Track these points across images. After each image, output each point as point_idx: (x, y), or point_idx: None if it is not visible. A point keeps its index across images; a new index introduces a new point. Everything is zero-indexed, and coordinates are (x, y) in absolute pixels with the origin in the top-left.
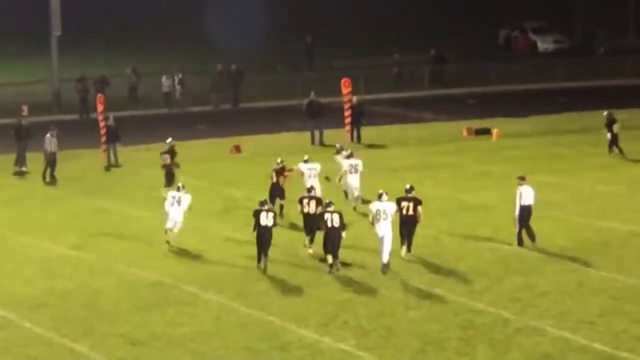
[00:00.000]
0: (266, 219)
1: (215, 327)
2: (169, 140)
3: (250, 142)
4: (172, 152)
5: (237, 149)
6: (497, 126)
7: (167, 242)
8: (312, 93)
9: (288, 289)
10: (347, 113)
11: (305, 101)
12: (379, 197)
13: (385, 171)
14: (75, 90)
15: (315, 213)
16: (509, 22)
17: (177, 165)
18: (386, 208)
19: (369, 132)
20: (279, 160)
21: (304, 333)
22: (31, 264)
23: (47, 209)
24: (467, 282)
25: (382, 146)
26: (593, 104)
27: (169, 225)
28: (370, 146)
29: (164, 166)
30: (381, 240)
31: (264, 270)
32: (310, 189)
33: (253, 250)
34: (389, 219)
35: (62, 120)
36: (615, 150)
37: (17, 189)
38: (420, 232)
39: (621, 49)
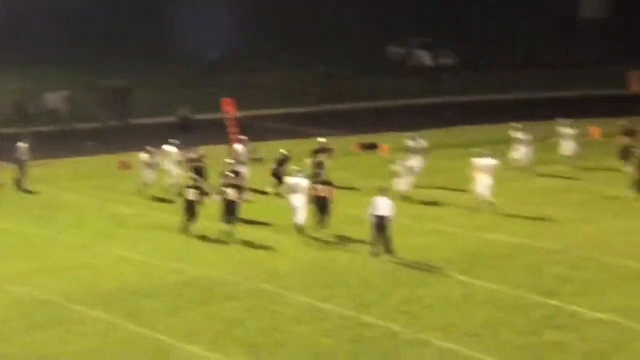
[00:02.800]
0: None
1: (103, 345)
2: None
3: (137, 159)
4: None
5: (125, 165)
6: (387, 141)
7: None
8: (185, 108)
9: (178, 306)
10: (232, 130)
11: (177, 116)
12: (293, 173)
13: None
14: None
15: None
16: (399, 37)
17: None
18: (300, 182)
19: (260, 148)
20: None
21: (193, 350)
22: None
23: None
24: (356, 295)
25: (270, 161)
26: (480, 119)
27: None
28: (257, 160)
29: None
30: (295, 209)
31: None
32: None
33: (141, 267)
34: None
35: None
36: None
37: None
38: (308, 247)
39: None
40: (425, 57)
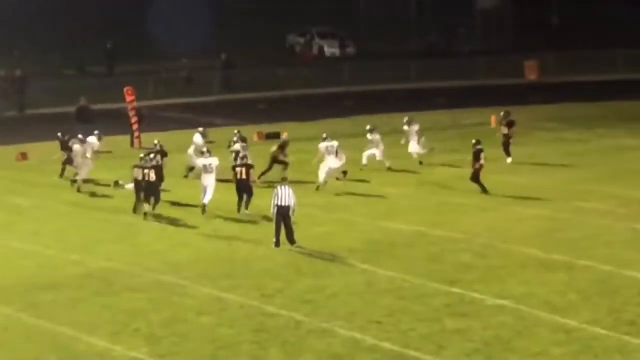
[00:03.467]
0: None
1: (2, 339)
2: None
3: (36, 149)
4: None
5: (23, 156)
6: (287, 130)
7: None
8: (82, 98)
9: (78, 298)
10: (134, 120)
11: (75, 107)
12: (202, 153)
13: (173, 177)
14: None
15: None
16: (298, 27)
17: None
18: (211, 162)
19: (159, 138)
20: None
21: (94, 342)
22: None
23: None
24: (259, 285)
25: (171, 151)
26: (380, 108)
27: None
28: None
29: None
30: (204, 188)
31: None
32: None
33: (41, 259)
34: (213, 172)
35: None
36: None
37: None
38: (210, 237)
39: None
40: (325, 47)
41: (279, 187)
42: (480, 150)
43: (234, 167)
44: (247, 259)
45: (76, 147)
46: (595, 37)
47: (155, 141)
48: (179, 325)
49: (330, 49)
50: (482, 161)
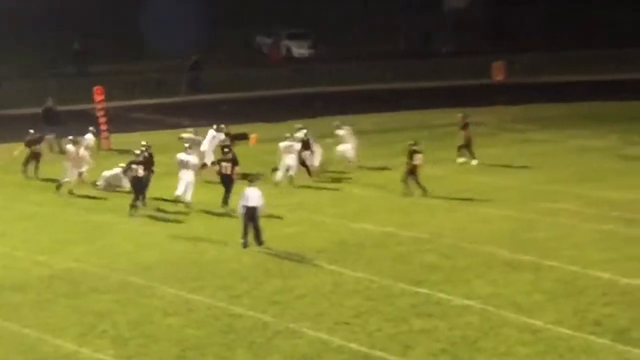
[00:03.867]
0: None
1: None
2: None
3: (2, 151)
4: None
5: None
6: (255, 131)
7: None
8: (49, 99)
9: (44, 299)
10: (103, 120)
11: (41, 108)
12: (186, 149)
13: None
14: None
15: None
16: (267, 28)
17: None
18: (189, 159)
19: (128, 139)
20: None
21: (61, 344)
22: None
23: None
24: (227, 287)
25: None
26: (349, 108)
27: None
28: (125, 152)
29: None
30: (180, 180)
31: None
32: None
33: (7, 261)
34: (189, 169)
35: None
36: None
37: None
38: (178, 238)
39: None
40: (294, 47)
41: (247, 188)
42: (415, 151)
43: (219, 161)
44: (214, 260)
45: (69, 147)
46: (561, 38)
47: (143, 142)
48: (146, 326)
49: (299, 50)
50: (417, 162)
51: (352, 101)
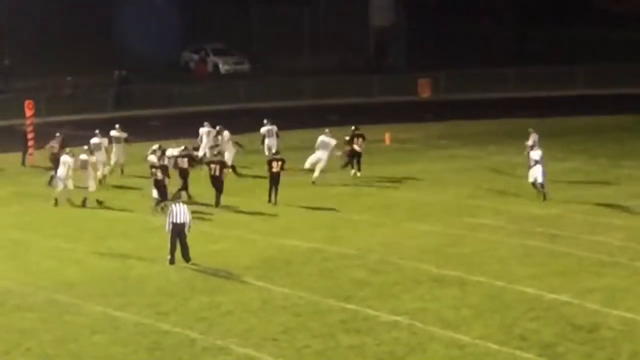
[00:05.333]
0: None
1: None
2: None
3: None
4: None
5: None
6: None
7: None
8: None
9: None
10: (31, 136)
11: None
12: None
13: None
14: None
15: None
16: (193, 44)
17: None
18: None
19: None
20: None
21: None
22: None
23: None
24: (153, 303)
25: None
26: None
27: None
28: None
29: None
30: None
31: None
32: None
33: None
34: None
35: None
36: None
37: None
38: (104, 255)
39: (296, 70)
40: (220, 63)
41: (173, 205)
42: (356, 135)
43: (208, 163)
44: (141, 277)
45: (65, 158)
46: (485, 55)
47: (155, 146)
48: (72, 344)
49: (225, 66)
50: (355, 146)
51: (278, 117)
